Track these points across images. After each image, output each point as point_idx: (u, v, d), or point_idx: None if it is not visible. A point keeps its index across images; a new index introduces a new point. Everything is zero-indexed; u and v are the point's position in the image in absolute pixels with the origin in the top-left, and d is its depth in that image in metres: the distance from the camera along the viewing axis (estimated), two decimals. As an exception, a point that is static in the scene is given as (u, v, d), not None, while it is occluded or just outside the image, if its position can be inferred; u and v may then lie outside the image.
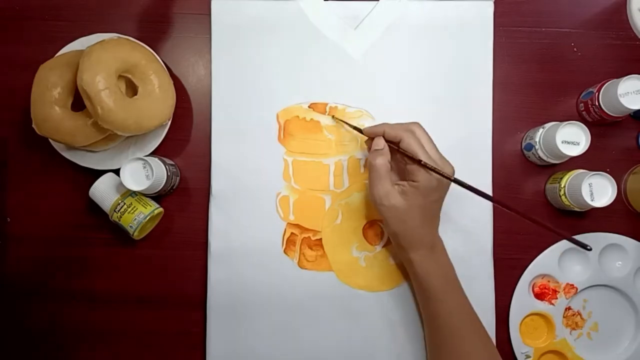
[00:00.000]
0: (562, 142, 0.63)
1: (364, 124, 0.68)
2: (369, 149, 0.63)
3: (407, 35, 0.69)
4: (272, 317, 0.67)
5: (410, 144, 0.58)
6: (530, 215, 0.56)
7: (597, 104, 0.64)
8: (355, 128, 0.66)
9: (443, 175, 0.57)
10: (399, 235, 0.60)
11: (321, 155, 0.68)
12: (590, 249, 0.53)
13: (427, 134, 0.60)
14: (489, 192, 0.68)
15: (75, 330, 0.69)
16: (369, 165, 0.61)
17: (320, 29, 0.69)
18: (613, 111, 0.63)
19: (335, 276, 0.68)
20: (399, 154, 0.60)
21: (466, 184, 0.57)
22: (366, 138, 0.65)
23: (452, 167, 0.59)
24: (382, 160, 0.59)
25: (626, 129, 0.69)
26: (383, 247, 0.68)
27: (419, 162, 0.57)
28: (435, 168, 0.57)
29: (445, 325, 0.60)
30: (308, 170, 0.68)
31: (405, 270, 0.65)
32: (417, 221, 0.59)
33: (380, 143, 0.60)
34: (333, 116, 0.68)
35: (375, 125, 0.63)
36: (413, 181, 0.58)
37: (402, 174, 0.61)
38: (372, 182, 0.60)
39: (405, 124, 0.61)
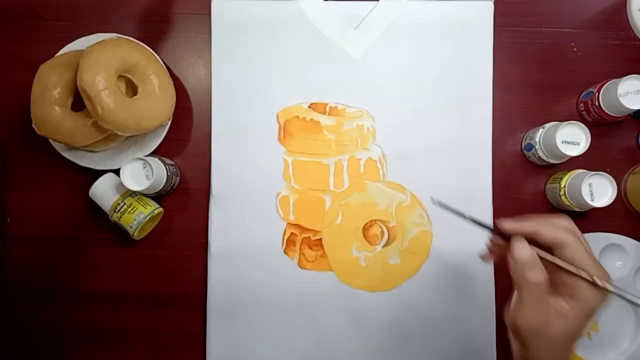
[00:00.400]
0: (562, 142, 0.63)
1: (364, 124, 0.68)
2: (495, 248, 0.50)
3: (407, 35, 0.69)
4: (272, 317, 0.67)
5: (578, 253, 0.44)
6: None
7: (597, 104, 0.64)
8: (477, 222, 0.50)
9: (629, 300, 0.45)
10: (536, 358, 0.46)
11: (321, 155, 0.68)
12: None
13: (581, 235, 0.47)
14: (489, 194, 0.68)
15: (75, 330, 0.69)
16: (518, 282, 0.45)
17: (320, 29, 0.69)
18: (613, 111, 0.63)
19: (335, 276, 0.68)
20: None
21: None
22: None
23: (607, 275, 0.46)
24: (541, 276, 0.44)
25: (626, 129, 0.69)
26: (383, 247, 0.68)
27: (593, 283, 0.44)
28: (621, 294, 0.45)
29: None
30: (308, 170, 0.68)
31: (405, 271, 0.65)
32: (569, 347, 0.46)
33: (526, 251, 0.45)
34: (439, 202, 0.53)
35: (522, 222, 0.47)
36: (571, 297, 0.44)
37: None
38: (524, 304, 0.45)
39: (558, 219, 0.47)
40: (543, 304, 0.45)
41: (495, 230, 0.48)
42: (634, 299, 0.46)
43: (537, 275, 0.45)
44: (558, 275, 0.45)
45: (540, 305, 0.45)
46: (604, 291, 0.44)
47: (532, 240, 0.46)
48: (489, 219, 0.67)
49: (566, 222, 0.47)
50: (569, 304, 0.45)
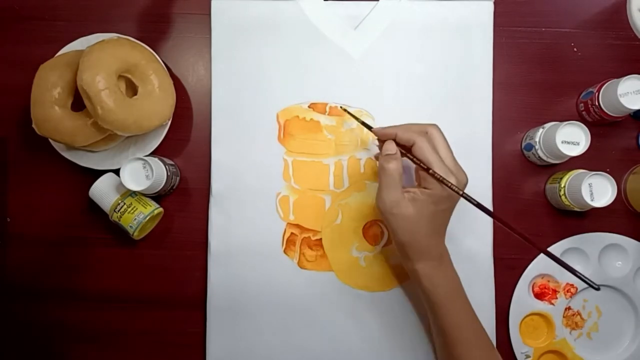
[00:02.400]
0: (562, 142, 0.63)
1: (364, 124, 0.68)
2: (380, 149, 0.60)
3: (406, 35, 0.69)
4: (272, 317, 0.67)
5: (422, 149, 0.55)
6: (542, 246, 0.54)
7: (597, 104, 0.64)
8: (365, 125, 0.62)
9: (452, 190, 0.54)
10: (406, 246, 0.58)
11: (321, 155, 0.68)
12: (598, 289, 0.52)
13: (443, 136, 0.57)
14: (489, 194, 0.68)
15: (75, 330, 0.69)
16: (379, 170, 0.57)
17: (320, 29, 0.69)
18: (613, 111, 0.63)
19: (335, 276, 0.68)
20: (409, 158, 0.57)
21: (475, 201, 0.55)
22: (374, 136, 0.63)
23: (466, 177, 0.57)
24: (395, 165, 0.56)
25: (626, 129, 0.69)
26: (383, 247, 0.68)
27: (428, 170, 0.55)
28: (445, 181, 0.54)
29: (452, 337, 0.59)
30: (308, 170, 0.68)
31: (405, 271, 0.65)
32: (427, 231, 0.57)
33: (392, 147, 0.57)
34: (345, 109, 0.66)
35: (388, 127, 0.59)
36: (425, 188, 0.55)
37: (410, 178, 0.59)
38: (383, 188, 0.57)
39: (420, 125, 0.58)
40: (396, 189, 0.56)
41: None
42: (473, 200, 0.55)
43: (392, 164, 0.56)
44: (419, 171, 0.56)
45: (393, 190, 0.56)
46: (445, 183, 0.54)
47: (400, 144, 0.57)
48: (489, 219, 0.67)
49: (427, 127, 0.57)
50: (421, 191, 0.55)
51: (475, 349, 0.59)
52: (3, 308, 0.69)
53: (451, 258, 0.62)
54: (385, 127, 0.60)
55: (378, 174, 0.58)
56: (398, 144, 0.58)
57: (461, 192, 0.54)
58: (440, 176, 0.54)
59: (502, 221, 0.54)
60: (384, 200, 0.56)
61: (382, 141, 0.60)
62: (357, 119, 0.64)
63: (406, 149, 0.57)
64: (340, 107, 0.67)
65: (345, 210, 0.68)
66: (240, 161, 0.68)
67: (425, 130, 0.57)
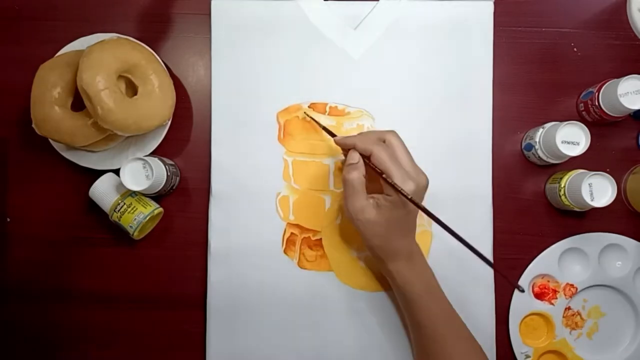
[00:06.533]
0: (562, 142, 0.63)
1: (364, 124, 0.68)
2: (345, 157, 0.61)
3: (407, 36, 0.69)
4: (272, 317, 0.67)
5: (380, 158, 0.57)
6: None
7: (597, 104, 0.64)
8: (329, 132, 0.65)
9: (407, 198, 0.55)
10: (376, 249, 0.60)
11: (321, 155, 0.68)
12: (522, 291, 0.52)
13: (401, 143, 0.59)
14: (489, 194, 0.68)
15: (75, 330, 0.69)
16: (342, 179, 0.59)
17: (320, 29, 0.69)
18: (613, 111, 0.63)
19: (335, 276, 0.68)
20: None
21: (424, 207, 0.55)
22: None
23: (426, 179, 0.58)
24: (356, 175, 0.58)
25: (626, 129, 0.69)
26: (383, 247, 0.68)
27: (386, 179, 0.56)
28: (400, 189, 0.55)
29: (429, 332, 0.60)
30: (308, 170, 0.68)
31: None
32: (394, 234, 0.59)
33: (354, 157, 0.59)
34: (305, 112, 0.68)
35: (347, 137, 0.61)
36: (387, 195, 0.57)
37: (378, 185, 0.59)
38: (347, 197, 0.59)
39: (378, 132, 0.60)
40: (359, 197, 0.58)
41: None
42: (420, 206, 0.56)
43: (353, 174, 0.58)
44: (380, 180, 0.57)
45: (357, 198, 0.58)
46: (399, 191, 0.55)
47: (360, 153, 0.58)
48: (489, 219, 0.67)
49: (384, 135, 0.58)
50: (384, 197, 0.57)
51: (451, 341, 0.59)
52: (3, 308, 0.69)
53: (452, 260, 0.62)
54: (345, 137, 0.61)
55: (342, 182, 0.60)
56: (360, 153, 0.59)
57: (409, 197, 0.55)
58: (396, 184, 0.55)
59: (448, 228, 0.55)
60: (349, 208, 0.59)
61: (346, 150, 0.61)
62: (321, 125, 0.66)
63: (366, 158, 0.58)
64: (305, 113, 0.68)
65: (345, 210, 0.68)
66: (240, 161, 0.68)
67: (383, 138, 0.58)
